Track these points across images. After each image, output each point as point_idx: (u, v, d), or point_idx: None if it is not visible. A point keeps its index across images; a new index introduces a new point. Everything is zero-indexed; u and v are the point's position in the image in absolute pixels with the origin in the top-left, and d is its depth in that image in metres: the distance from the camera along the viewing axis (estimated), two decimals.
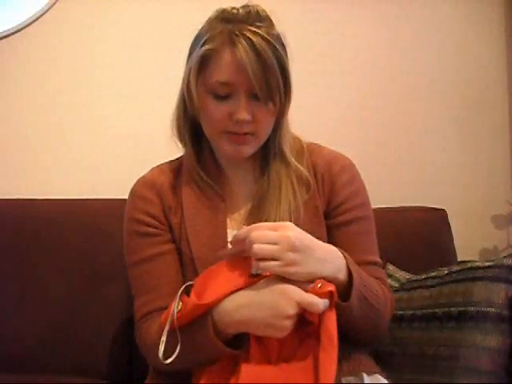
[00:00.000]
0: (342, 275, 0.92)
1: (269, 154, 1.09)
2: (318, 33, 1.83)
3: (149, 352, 1.00)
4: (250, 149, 1.04)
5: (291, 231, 0.87)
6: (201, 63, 1.00)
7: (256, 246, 0.86)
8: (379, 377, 0.94)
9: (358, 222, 1.07)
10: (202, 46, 1.00)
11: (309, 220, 1.04)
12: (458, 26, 1.92)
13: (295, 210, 1.03)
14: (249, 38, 0.95)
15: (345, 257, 0.93)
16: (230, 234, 1.04)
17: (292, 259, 0.85)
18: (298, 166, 1.08)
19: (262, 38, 0.95)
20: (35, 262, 1.47)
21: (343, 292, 0.92)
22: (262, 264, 0.86)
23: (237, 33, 0.96)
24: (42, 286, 1.45)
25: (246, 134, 1.01)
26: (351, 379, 0.92)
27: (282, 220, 1.00)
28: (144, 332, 1.01)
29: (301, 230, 0.89)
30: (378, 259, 1.08)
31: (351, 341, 0.97)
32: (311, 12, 1.84)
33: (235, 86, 0.98)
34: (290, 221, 0.98)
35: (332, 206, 1.07)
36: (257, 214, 1.04)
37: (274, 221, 1.00)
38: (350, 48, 1.86)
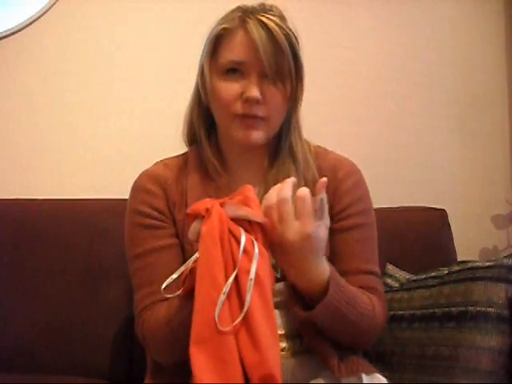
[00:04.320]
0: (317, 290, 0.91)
1: (278, 151, 1.08)
2: (315, 32, 1.83)
3: (149, 340, 1.00)
4: (260, 135, 1.02)
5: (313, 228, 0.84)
6: (214, 43, 1.03)
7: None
8: (379, 376, 0.94)
9: (358, 228, 1.06)
10: (215, 27, 1.03)
11: None
12: (458, 25, 1.92)
13: None
14: (261, 20, 0.99)
15: (331, 275, 0.91)
16: None
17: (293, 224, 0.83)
18: (310, 163, 1.07)
19: (275, 22, 0.99)
20: (35, 262, 1.47)
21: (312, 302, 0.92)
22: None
23: (250, 16, 1.00)
24: (42, 285, 1.45)
25: (256, 117, 1.00)
26: (351, 380, 0.92)
27: None
28: (146, 320, 1.00)
29: (321, 237, 0.86)
30: (375, 268, 1.06)
31: (346, 347, 0.98)
32: (308, 11, 1.83)
33: (247, 66, 1.00)
34: None
35: (334, 211, 1.05)
36: None
37: None
38: (349, 47, 1.86)
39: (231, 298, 0.78)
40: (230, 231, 0.80)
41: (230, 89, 1.01)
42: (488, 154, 1.91)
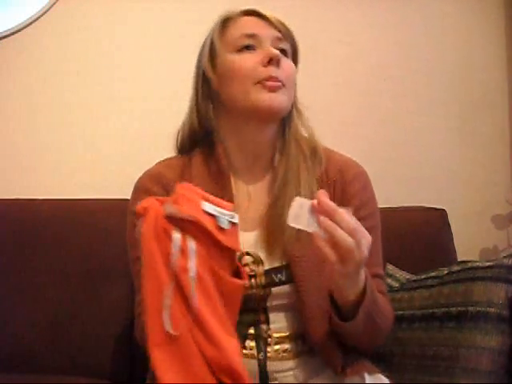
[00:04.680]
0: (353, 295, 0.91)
1: (285, 144, 1.07)
2: (311, 28, 1.83)
3: (145, 342, 0.99)
4: (284, 99, 1.03)
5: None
6: (222, 25, 1.06)
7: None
8: (381, 376, 0.95)
9: None
10: (218, 18, 1.07)
11: None
12: (458, 22, 1.92)
13: None
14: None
15: (366, 281, 0.92)
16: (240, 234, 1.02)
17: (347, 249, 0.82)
18: (320, 158, 1.07)
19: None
20: (35, 262, 1.47)
21: (352, 307, 0.92)
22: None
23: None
24: (42, 285, 1.45)
25: (279, 81, 1.01)
26: (354, 379, 0.92)
27: None
28: (142, 323, 1.00)
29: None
30: (381, 271, 1.06)
31: (352, 350, 0.98)
32: (304, 7, 1.83)
33: (259, 38, 1.03)
34: None
35: None
36: (270, 216, 1.02)
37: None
38: (346, 45, 1.86)
39: (177, 297, 0.78)
40: (164, 229, 0.80)
41: (247, 58, 1.02)
42: (488, 153, 1.91)
